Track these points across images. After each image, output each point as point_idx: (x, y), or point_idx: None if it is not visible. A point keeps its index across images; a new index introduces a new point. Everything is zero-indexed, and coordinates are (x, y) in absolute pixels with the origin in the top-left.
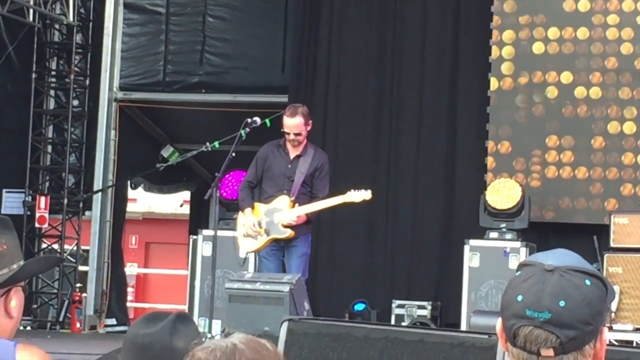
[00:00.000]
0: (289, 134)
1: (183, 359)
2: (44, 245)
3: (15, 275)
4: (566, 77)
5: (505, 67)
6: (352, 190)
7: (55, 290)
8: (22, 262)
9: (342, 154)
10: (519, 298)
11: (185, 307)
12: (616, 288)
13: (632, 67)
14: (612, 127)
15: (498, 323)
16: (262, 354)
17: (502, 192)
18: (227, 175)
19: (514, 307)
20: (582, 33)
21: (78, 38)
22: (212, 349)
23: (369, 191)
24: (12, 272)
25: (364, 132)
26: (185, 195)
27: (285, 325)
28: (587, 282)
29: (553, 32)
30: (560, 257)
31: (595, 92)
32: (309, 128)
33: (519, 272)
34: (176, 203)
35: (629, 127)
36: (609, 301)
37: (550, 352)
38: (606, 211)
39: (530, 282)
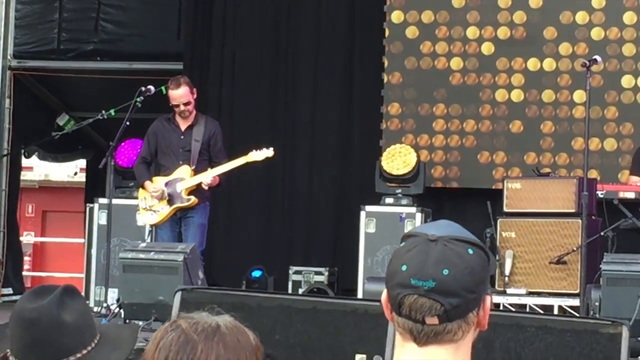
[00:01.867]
0: (178, 105)
1: (76, 336)
2: None
3: None
4: (456, 46)
5: (400, 35)
6: (254, 150)
7: None
8: None
9: (239, 122)
10: (404, 268)
11: (82, 276)
12: (509, 252)
13: (521, 36)
14: (500, 95)
15: (383, 293)
16: (241, 343)
17: (398, 158)
18: (122, 144)
19: (399, 277)
20: (473, 2)
21: None
22: (195, 322)
23: (271, 149)
24: None
25: (260, 99)
26: (81, 163)
27: (178, 294)
28: (470, 251)
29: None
30: (443, 228)
31: (483, 61)
32: (195, 96)
33: (403, 243)
34: (72, 171)
35: (517, 95)
36: (492, 270)
37: (435, 320)
38: (496, 178)
39: (414, 251)
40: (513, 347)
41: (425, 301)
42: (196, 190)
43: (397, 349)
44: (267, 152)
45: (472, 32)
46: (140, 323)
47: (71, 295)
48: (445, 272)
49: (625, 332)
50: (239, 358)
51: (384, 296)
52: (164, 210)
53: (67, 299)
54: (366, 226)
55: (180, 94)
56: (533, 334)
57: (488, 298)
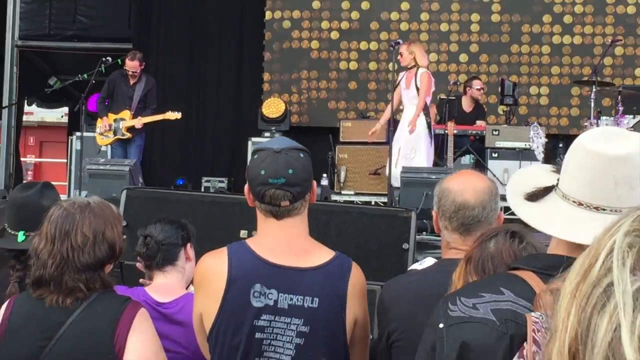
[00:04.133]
0: (129, 71)
1: (48, 211)
2: None
3: None
4: (314, 33)
5: (276, 26)
6: (169, 111)
7: None
8: None
9: (169, 84)
10: (262, 172)
11: (65, 184)
12: (343, 167)
13: (356, 27)
14: (342, 65)
15: (245, 188)
16: (105, 212)
17: (272, 107)
18: (91, 97)
19: (260, 178)
20: (325, 4)
21: None
22: (73, 202)
23: (180, 113)
24: None
25: (182, 69)
26: (65, 109)
27: (124, 192)
28: (302, 155)
29: None
30: (281, 142)
31: (332, 43)
32: (142, 67)
33: (256, 155)
34: (58, 115)
35: (353, 65)
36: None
37: (287, 203)
38: (337, 119)
39: (267, 161)
40: (342, 226)
41: (280, 192)
42: (133, 127)
43: (260, 223)
44: (177, 115)
45: (325, 24)
46: None
47: (48, 188)
48: (290, 171)
49: (414, 216)
50: (105, 221)
51: (246, 189)
52: (110, 138)
53: (45, 190)
54: (251, 150)
55: (133, 65)
56: (355, 217)
57: (314, 182)
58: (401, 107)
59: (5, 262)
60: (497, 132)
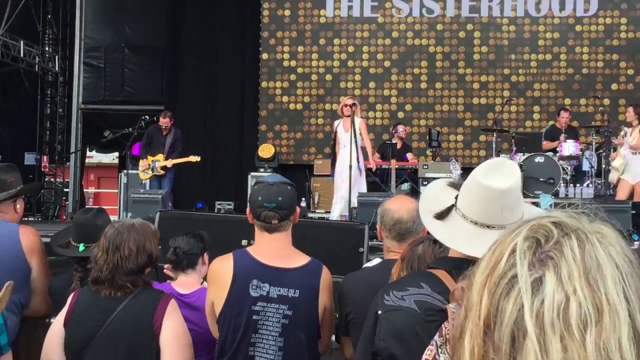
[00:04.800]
0: (162, 125)
1: (103, 230)
2: (46, 179)
3: (18, 192)
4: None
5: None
6: (192, 155)
7: (52, 199)
8: (20, 187)
9: (190, 133)
10: (260, 198)
11: (117, 207)
12: (317, 193)
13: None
14: (313, 120)
15: (248, 209)
16: (146, 230)
17: (265, 150)
18: (135, 144)
19: (257, 202)
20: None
21: (60, 79)
22: (122, 223)
23: (199, 157)
24: (17, 190)
25: (200, 123)
26: (116, 154)
27: (158, 214)
28: (289, 188)
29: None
30: (275, 177)
31: (307, 100)
32: (172, 122)
33: (256, 186)
34: (110, 158)
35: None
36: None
37: (276, 221)
38: (311, 159)
39: (264, 190)
40: (315, 235)
41: (271, 213)
42: (165, 166)
43: (257, 235)
44: (197, 158)
45: (299, 91)
46: None
47: (102, 212)
48: (280, 198)
49: (366, 228)
50: (145, 237)
51: (248, 210)
52: (149, 174)
53: (100, 214)
54: (251, 182)
55: (165, 121)
56: (325, 229)
57: (298, 208)
58: (344, 145)
59: (70, 266)
60: (426, 167)
